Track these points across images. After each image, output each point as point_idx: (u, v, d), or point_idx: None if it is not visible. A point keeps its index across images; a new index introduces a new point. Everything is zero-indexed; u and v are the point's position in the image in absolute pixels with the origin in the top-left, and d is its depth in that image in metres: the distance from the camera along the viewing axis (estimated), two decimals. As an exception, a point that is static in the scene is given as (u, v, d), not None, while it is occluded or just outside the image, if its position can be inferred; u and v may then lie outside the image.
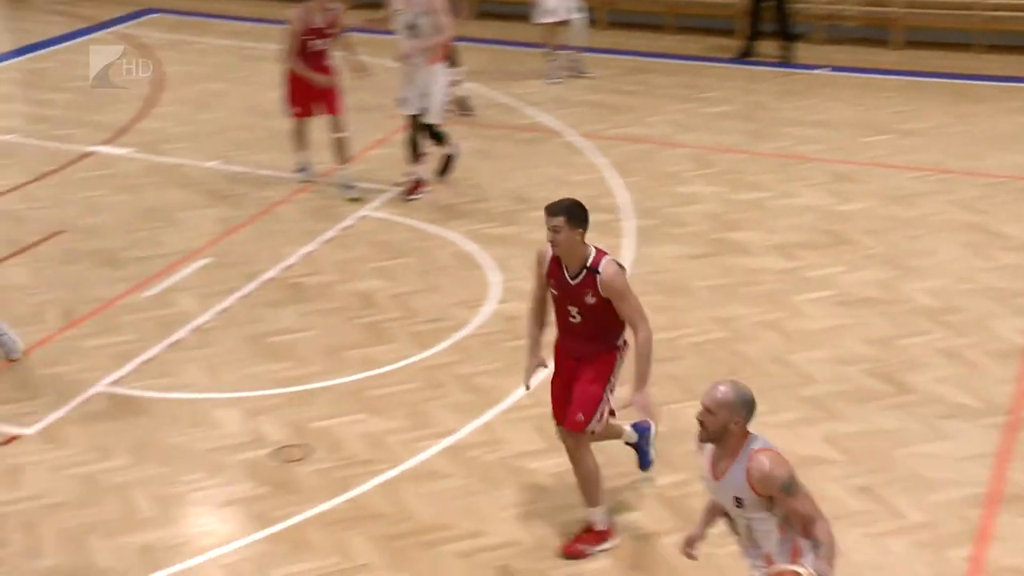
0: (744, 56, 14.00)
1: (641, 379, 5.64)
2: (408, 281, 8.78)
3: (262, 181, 10.25)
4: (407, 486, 6.48)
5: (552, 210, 5.62)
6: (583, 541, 5.97)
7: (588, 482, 5.93)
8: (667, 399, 7.29)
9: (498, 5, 15.72)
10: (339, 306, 8.41)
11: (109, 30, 14.94)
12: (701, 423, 4.61)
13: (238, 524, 6.21)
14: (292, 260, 9.04)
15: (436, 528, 6.16)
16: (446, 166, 10.22)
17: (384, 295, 8.56)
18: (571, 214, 5.61)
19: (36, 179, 10.43)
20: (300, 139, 10.13)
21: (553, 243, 5.66)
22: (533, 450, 6.82)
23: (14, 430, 6.90)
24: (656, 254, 9.14)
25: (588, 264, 5.66)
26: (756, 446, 4.58)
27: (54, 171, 10.61)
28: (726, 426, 4.56)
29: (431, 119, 9.73)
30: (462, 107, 11.96)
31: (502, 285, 8.71)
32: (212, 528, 6.23)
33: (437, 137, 10.00)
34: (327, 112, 9.86)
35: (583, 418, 5.79)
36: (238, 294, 8.51)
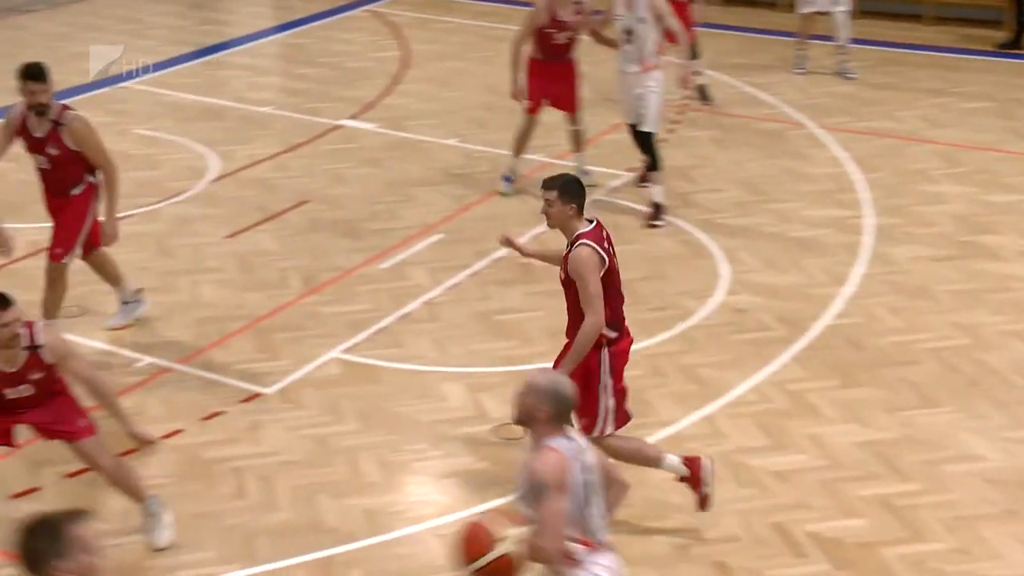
0: (1009, 48, 13.21)
1: (565, 362, 5.69)
2: (635, 267, 8.73)
3: (497, 160, 10.38)
4: (625, 472, 6.45)
5: (547, 184, 5.74)
6: (694, 491, 5.96)
7: (633, 460, 5.93)
8: (901, 405, 7.00)
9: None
10: (566, 288, 8.45)
11: (363, 8, 15.49)
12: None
13: (457, 496, 6.35)
14: (522, 240, 9.12)
15: (652, 517, 6.13)
16: (657, 213, 9.41)
17: (612, 280, 8.55)
18: (564, 189, 5.68)
19: (288, 150, 10.94)
20: (522, 141, 9.73)
21: (546, 216, 5.76)
22: (755, 447, 6.69)
23: (256, 388, 7.27)
24: (896, 254, 8.76)
25: (573, 241, 5.69)
26: (551, 444, 4.37)
27: (304, 143, 11.10)
28: (531, 412, 4.41)
29: (646, 127, 9.28)
30: (702, 96, 11.77)
31: (731, 277, 8.56)
32: (432, 498, 6.40)
33: (651, 155, 9.37)
34: (563, 110, 9.74)
35: (586, 423, 5.80)
36: (469, 271, 8.68)
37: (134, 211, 9.62)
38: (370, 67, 13.19)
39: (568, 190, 5.69)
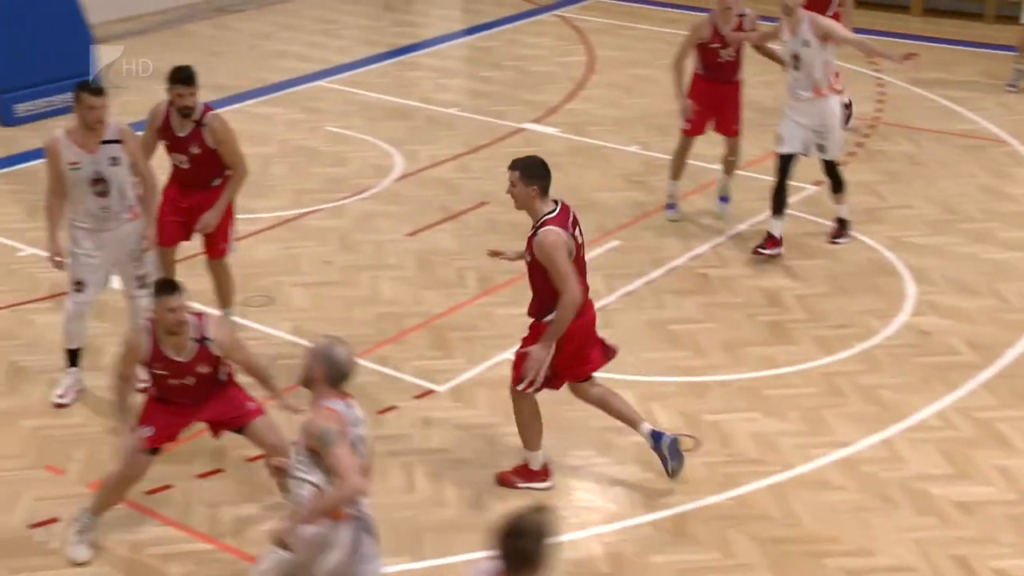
0: None
1: (545, 336, 5.94)
2: (817, 283, 8.51)
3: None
4: (796, 492, 6.31)
5: (511, 165, 5.96)
6: (517, 474, 6.36)
7: (521, 428, 6.31)
8: (1098, 442, 6.60)
9: (950, 1, 14.81)
10: (743, 301, 8.30)
11: (551, 12, 15.58)
12: None
13: (623, 505, 6.30)
14: (700, 250, 9.03)
15: (823, 539, 5.95)
16: (841, 229, 9.05)
17: (791, 295, 8.35)
18: (525, 171, 5.88)
19: (471, 151, 11.08)
20: (678, 165, 9.40)
21: (511, 196, 5.96)
22: (937, 474, 6.42)
23: (429, 385, 7.38)
24: (1100, 281, 8.28)
25: (538, 224, 5.86)
26: (325, 403, 4.75)
27: (486, 145, 11.21)
28: (309, 374, 4.81)
29: (829, 156, 8.77)
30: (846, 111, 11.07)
31: (918, 297, 8.24)
32: (598, 505, 6.36)
33: (836, 181, 8.92)
34: (722, 132, 9.30)
35: (515, 376, 6.16)
36: (644, 279, 8.61)
37: (322, 206, 9.92)
38: (555, 71, 13.25)
39: (528, 172, 5.89)
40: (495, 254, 6.55)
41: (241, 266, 8.78)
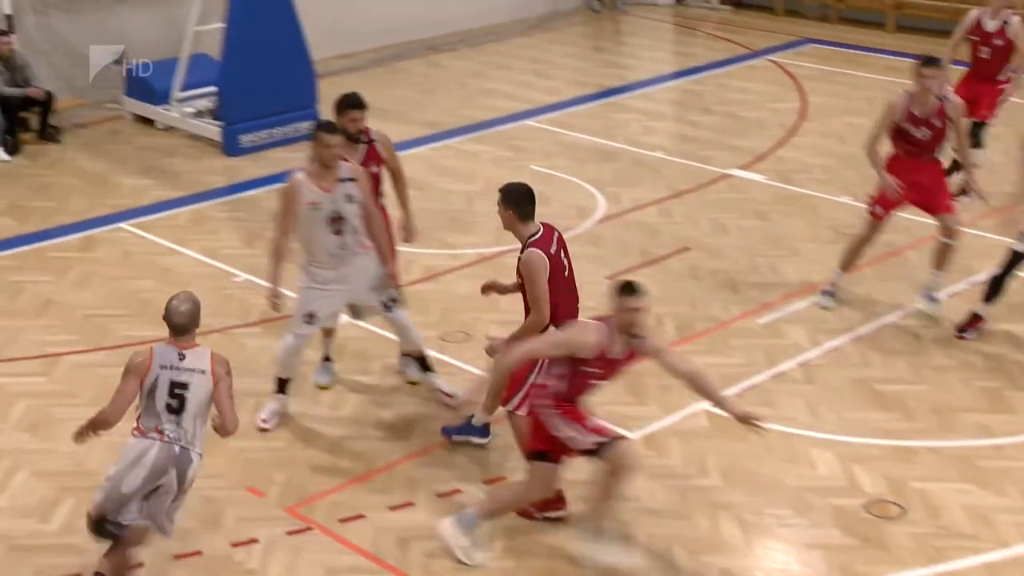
0: None
1: (508, 338, 6.20)
2: (1042, 349, 8.00)
3: (892, 223, 9.84)
4: (1013, 574, 5.88)
5: (499, 189, 6.32)
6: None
7: (520, 443, 6.38)
8: None
9: None
10: (958, 364, 7.87)
11: (765, 57, 15.32)
12: None
13: (819, 570, 6.01)
14: (913, 308, 8.61)
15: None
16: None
17: (1013, 361, 7.87)
18: (504, 195, 6.27)
19: (674, 195, 10.94)
20: (855, 254, 8.66)
21: (500, 218, 6.32)
22: None
23: (622, 432, 7.23)
24: None
25: (524, 247, 6.22)
26: (154, 345, 5.67)
27: (691, 190, 11.06)
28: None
29: None
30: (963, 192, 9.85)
31: None
32: (792, 568, 6.09)
33: None
34: (933, 212, 8.40)
35: (506, 395, 6.42)
36: (851, 335, 8.28)
37: (522, 244, 9.95)
38: (765, 117, 12.99)
39: (506, 197, 6.27)
40: (488, 288, 6.73)
41: (441, 301, 8.91)
